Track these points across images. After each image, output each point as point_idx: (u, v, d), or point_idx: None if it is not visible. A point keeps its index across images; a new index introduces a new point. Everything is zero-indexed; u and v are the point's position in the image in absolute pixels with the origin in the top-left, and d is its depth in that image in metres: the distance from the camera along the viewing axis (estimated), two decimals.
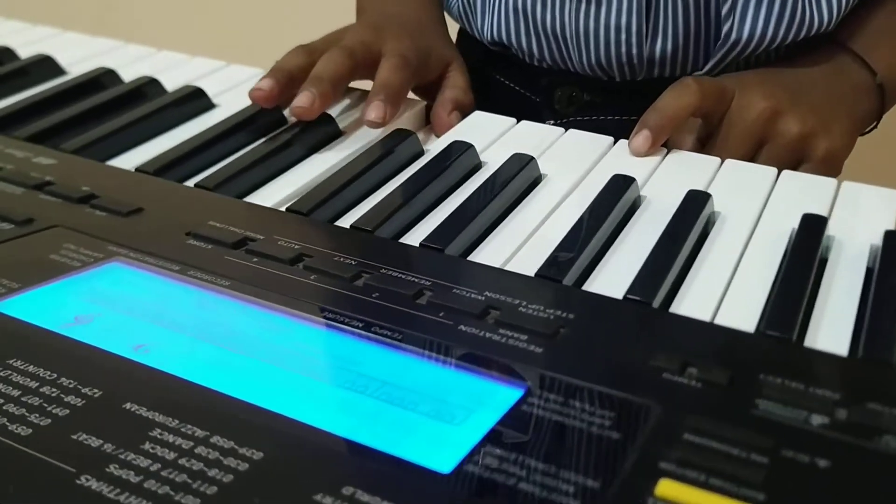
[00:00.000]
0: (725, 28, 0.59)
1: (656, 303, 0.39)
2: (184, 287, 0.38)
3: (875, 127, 0.61)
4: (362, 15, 0.71)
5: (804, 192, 0.50)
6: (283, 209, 0.48)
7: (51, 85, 0.63)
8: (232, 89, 0.64)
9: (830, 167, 0.56)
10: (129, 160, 0.53)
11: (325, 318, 0.36)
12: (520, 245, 0.46)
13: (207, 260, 0.40)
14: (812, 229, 0.45)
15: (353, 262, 0.40)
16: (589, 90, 0.67)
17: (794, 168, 0.55)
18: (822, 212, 0.47)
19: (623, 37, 0.62)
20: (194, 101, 0.60)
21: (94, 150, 0.53)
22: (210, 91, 0.62)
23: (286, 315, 0.37)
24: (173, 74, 0.65)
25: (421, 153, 0.55)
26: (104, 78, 0.63)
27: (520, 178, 0.50)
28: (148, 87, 0.62)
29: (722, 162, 0.54)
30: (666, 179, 0.52)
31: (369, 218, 0.46)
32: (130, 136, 0.55)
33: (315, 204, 0.47)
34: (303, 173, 0.53)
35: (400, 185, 0.50)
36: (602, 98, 0.67)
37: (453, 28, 0.73)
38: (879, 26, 0.61)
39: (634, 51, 0.62)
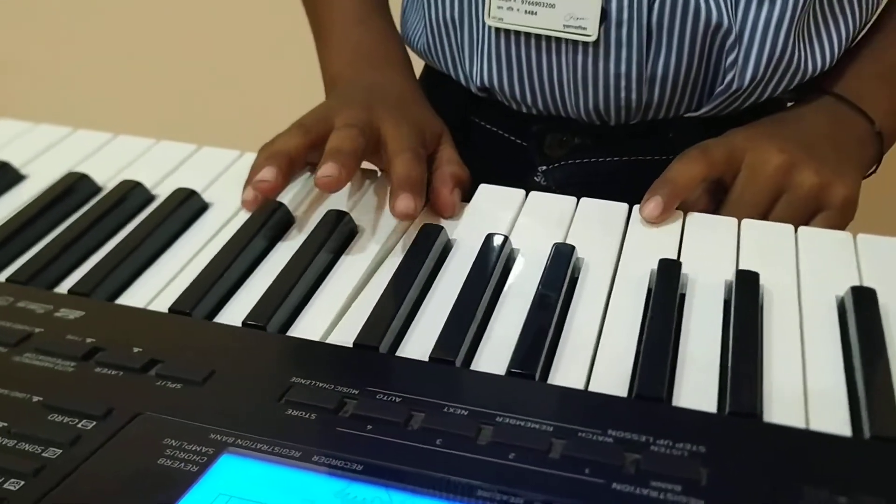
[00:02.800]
0: (729, 76, 0.61)
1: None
2: (320, 476, 0.36)
3: (875, 171, 0.63)
4: (338, 85, 0.68)
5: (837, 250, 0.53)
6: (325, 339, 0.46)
7: None
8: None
9: (847, 214, 0.58)
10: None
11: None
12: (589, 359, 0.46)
13: (319, 435, 0.38)
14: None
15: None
16: (580, 134, 0.68)
17: (810, 218, 0.58)
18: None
19: (623, 83, 0.62)
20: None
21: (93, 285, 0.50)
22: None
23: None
24: None
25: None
26: None
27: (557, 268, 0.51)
28: None
29: (740, 222, 0.56)
30: (702, 250, 0.53)
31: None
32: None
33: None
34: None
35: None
36: (593, 140, 0.68)
37: (418, 66, 0.72)
38: (869, 72, 0.63)
39: (634, 96, 0.63)
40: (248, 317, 0.46)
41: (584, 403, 0.41)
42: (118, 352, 0.43)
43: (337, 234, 0.53)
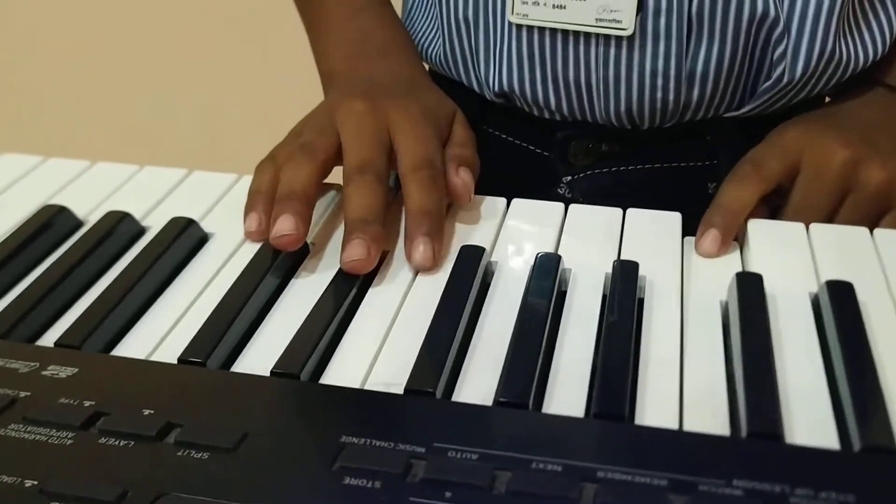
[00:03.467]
0: (778, 70, 0.55)
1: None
2: None
3: None
4: (335, 81, 0.61)
5: None
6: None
7: None
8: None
9: None
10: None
11: None
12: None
13: None
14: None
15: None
16: (609, 140, 0.62)
17: (881, 217, 0.52)
18: None
19: (659, 82, 0.56)
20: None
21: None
22: None
23: None
24: None
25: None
26: None
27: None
28: None
29: (808, 227, 0.50)
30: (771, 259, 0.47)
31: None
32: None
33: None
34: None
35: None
36: (622, 147, 0.62)
37: None
38: None
39: (671, 97, 0.57)
40: (278, 365, 0.39)
41: (690, 448, 0.35)
42: (125, 416, 0.35)
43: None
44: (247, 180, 0.54)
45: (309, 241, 0.49)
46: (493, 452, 0.34)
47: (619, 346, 0.40)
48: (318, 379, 0.40)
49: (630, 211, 0.52)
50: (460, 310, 0.42)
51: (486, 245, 0.48)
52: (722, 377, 0.39)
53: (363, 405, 0.37)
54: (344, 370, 0.40)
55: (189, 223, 0.49)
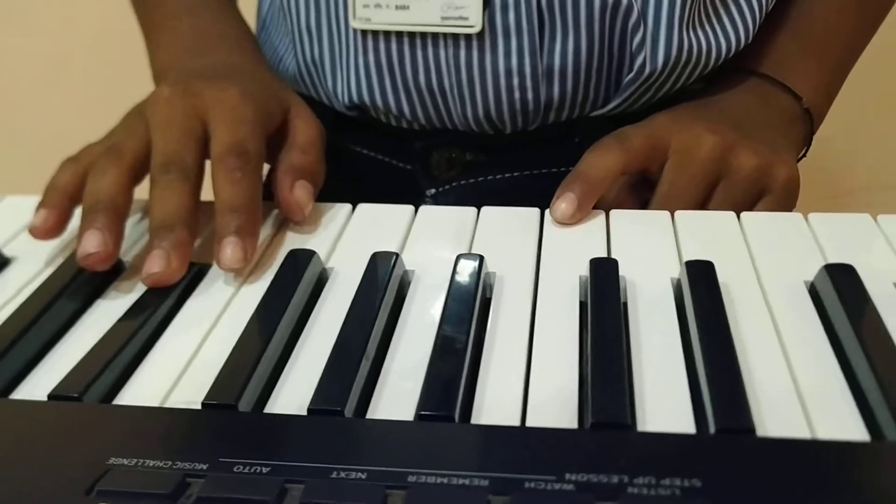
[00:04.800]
0: (638, 61, 0.52)
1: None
2: None
3: (806, 153, 0.56)
4: (164, 76, 0.56)
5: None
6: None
7: None
8: None
9: (792, 196, 0.50)
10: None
11: None
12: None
13: None
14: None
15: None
16: (471, 149, 0.58)
17: (754, 203, 0.49)
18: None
19: (515, 81, 0.52)
20: None
21: None
22: None
23: None
24: None
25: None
26: None
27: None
28: None
29: (673, 215, 0.47)
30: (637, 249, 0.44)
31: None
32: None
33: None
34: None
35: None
36: (486, 155, 0.58)
37: None
38: (791, 48, 0.56)
39: (530, 96, 0.53)
40: (56, 388, 0.34)
41: (526, 444, 0.30)
42: None
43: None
44: None
45: (124, 259, 0.44)
46: (289, 464, 0.28)
47: (456, 343, 0.35)
48: (112, 401, 0.34)
49: (484, 209, 0.48)
50: (277, 316, 0.37)
51: (320, 250, 0.44)
52: (574, 365, 0.35)
53: (147, 425, 0.32)
54: (141, 391, 0.35)
55: None
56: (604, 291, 0.38)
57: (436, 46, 0.53)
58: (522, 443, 0.30)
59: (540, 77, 0.53)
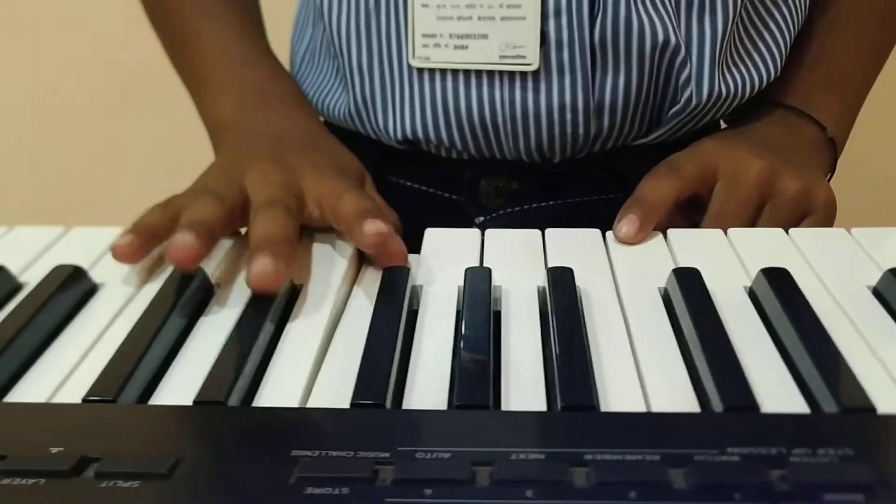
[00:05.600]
0: (685, 94, 0.55)
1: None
2: None
3: (830, 178, 0.60)
4: (230, 132, 0.57)
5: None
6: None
7: None
8: None
9: (831, 216, 0.54)
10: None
11: None
12: None
13: None
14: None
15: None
16: (519, 178, 0.60)
17: (798, 223, 0.53)
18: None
19: (568, 116, 0.55)
20: None
21: None
22: None
23: None
24: None
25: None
26: None
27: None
28: None
29: (726, 232, 0.50)
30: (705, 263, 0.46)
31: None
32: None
33: None
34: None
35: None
36: (533, 183, 0.61)
37: None
38: (813, 80, 0.60)
39: (580, 129, 0.56)
40: (201, 394, 0.35)
41: (696, 425, 0.32)
42: (30, 457, 0.30)
43: (280, 297, 0.43)
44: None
45: (214, 283, 0.45)
46: (464, 450, 0.30)
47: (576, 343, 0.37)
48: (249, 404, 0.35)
49: (549, 231, 0.50)
50: (395, 327, 0.39)
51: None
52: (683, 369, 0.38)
53: (307, 423, 0.33)
54: (274, 395, 0.36)
55: (75, 271, 0.44)
56: (695, 297, 0.41)
57: (492, 83, 0.55)
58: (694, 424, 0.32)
59: (591, 111, 0.56)
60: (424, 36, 0.55)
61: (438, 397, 0.35)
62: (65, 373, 0.37)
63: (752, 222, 0.53)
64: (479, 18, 0.54)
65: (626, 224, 0.49)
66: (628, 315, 0.42)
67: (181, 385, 0.36)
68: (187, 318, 0.42)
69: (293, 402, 0.35)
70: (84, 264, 0.46)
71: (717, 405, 0.34)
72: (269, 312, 0.41)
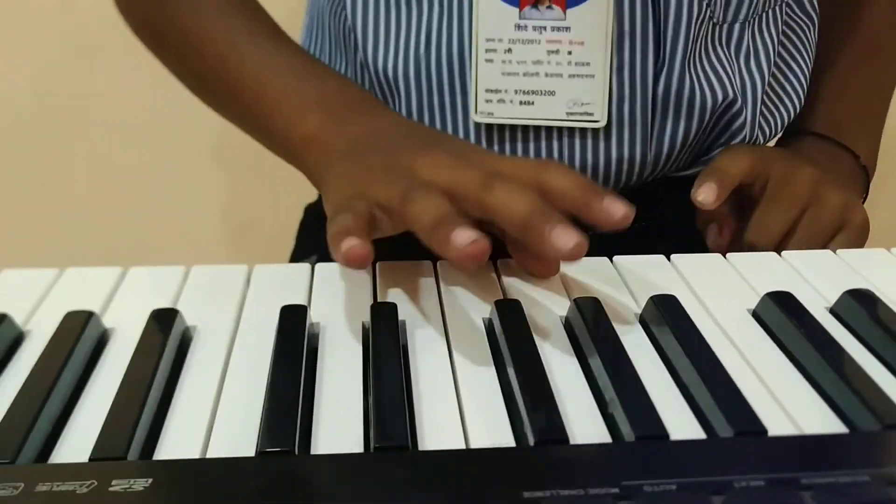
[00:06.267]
0: (738, 139, 0.58)
1: None
2: None
3: (863, 202, 0.64)
4: (322, 144, 0.52)
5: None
6: None
7: None
8: None
9: (865, 237, 0.58)
10: None
11: None
12: None
13: None
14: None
15: None
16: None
17: (833, 236, 0.57)
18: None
19: (625, 167, 0.57)
20: None
21: None
22: None
23: None
24: None
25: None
26: None
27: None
28: None
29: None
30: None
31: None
32: None
33: None
34: None
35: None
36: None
37: None
38: (841, 110, 0.65)
39: (634, 177, 0.58)
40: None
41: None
42: None
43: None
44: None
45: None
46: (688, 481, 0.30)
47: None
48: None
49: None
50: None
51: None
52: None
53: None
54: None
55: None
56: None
57: (558, 139, 0.56)
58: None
59: (648, 161, 0.57)
60: (488, 91, 0.54)
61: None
62: None
63: (794, 224, 0.56)
64: (547, 75, 0.53)
65: (706, 191, 0.53)
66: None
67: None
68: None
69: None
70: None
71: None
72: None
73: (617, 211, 0.41)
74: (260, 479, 0.31)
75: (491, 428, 0.35)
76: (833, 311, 0.45)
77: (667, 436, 0.34)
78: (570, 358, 0.40)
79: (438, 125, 0.57)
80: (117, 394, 0.37)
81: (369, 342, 0.40)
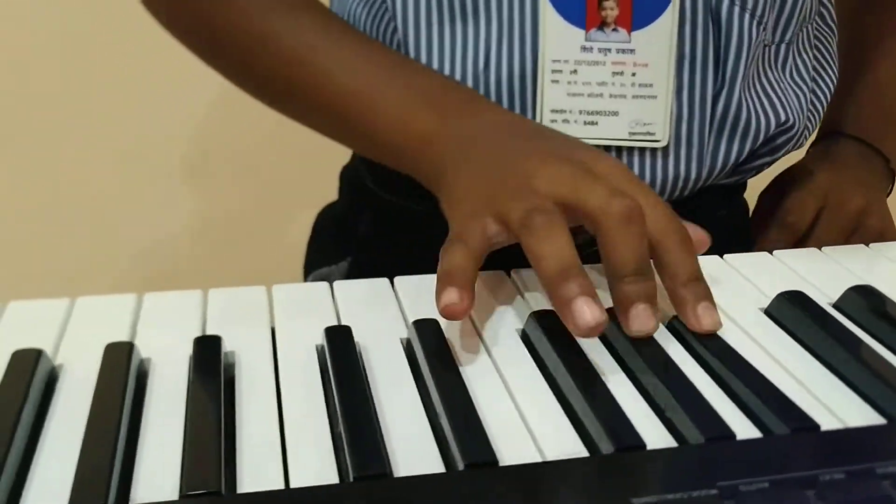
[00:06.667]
0: (781, 152, 0.59)
1: None
2: None
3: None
4: (442, 140, 0.50)
5: None
6: None
7: None
8: None
9: (877, 239, 0.59)
10: None
11: None
12: None
13: None
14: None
15: None
16: None
17: (849, 236, 0.61)
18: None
19: (680, 184, 0.57)
20: None
21: None
22: None
23: None
24: None
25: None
26: None
27: None
28: None
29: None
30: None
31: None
32: None
33: None
34: None
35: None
36: None
37: None
38: (870, 114, 0.67)
39: (686, 193, 0.57)
40: None
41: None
42: None
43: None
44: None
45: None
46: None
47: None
48: None
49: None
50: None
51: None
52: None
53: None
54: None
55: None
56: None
57: (620, 157, 0.55)
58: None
59: (702, 177, 0.57)
60: (553, 111, 0.54)
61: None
62: None
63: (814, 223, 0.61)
64: (611, 96, 0.54)
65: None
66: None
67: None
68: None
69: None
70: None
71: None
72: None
73: (706, 323, 0.42)
74: None
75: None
76: (837, 307, 0.46)
77: (733, 436, 0.34)
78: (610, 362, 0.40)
79: None
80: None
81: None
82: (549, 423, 0.36)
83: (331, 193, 0.70)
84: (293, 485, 0.32)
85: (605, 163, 0.45)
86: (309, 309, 0.44)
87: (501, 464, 0.32)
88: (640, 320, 0.40)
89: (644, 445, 0.33)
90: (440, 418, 0.35)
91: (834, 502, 0.29)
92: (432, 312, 0.41)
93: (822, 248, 0.53)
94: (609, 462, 0.32)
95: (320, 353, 0.41)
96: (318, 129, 0.57)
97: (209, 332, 0.42)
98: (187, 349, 0.40)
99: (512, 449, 0.33)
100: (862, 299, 0.45)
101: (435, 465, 0.33)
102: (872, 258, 0.52)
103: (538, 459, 0.33)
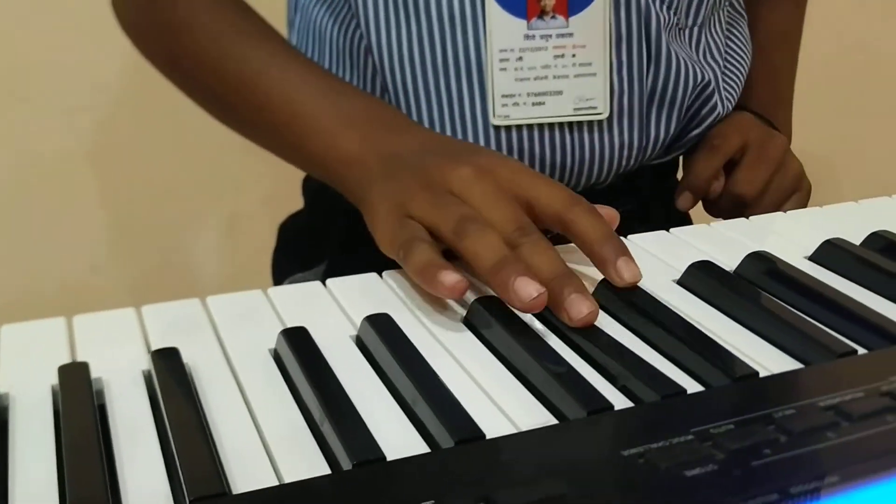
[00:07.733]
0: (708, 121, 0.65)
1: None
2: None
3: None
4: (367, 162, 0.53)
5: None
6: None
7: None
8: None
9: (808, 200, 0.67)
10: None
11: None
12: None
13: None
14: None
15: None
16: None
17: (789, 196, 0.66)
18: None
19: (625, 153, 0.63)
20: None
21: None
22: None
23: None
24: None
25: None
26: None
27: None
28: None
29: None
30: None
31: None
32: None
33: None
34: None
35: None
36: None
37: None
38: (769, 95, 0.76)
39: (632, 162, 0.63)
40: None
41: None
42: None
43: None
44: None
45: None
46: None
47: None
48: None
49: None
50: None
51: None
52: None
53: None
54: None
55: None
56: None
57: (564, 132, 0.61)
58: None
59: (647, 147, 0.63)
60: (504, 96, 0.59)
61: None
62: None
63: (768, 183, 0.65)
64: (555, 77, 0.60)
65: (685, 200, 0.65)
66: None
67: None
68: None
69: None
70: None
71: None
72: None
73: (627, 276, 0.45)
74: None
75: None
76: (738, 273, 0.50)
77: (684, 391, 0.37)
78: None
79: (459, 131, 0.61)
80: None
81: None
82: (513, 397, 0.37)
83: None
84: (286, 480, 0.32)
85: (509, 166, 0.50)
86: (248, 316, 0.44)
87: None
88: (576, 307, 0.42)
89: (612, 406, 0.35)
90: (415, 403, 0.36)
91: (801, 429, 0.32)
92: (374, 309, 0.43)
93: (716, 224, 0.57)
94: (588, 424, 0.34)
95: (275, 355, 0.41)
96: (266, 148, 0.62)
97: (155, 346, 0.41)
98: (141, 365, 0.40)
99: (489, 425, 0.35)
100: (759, 264, 0.49)
101: (420, 447, 0.33)
102: (762, 230, 0.57)
103: (514, 431, 0.35)
